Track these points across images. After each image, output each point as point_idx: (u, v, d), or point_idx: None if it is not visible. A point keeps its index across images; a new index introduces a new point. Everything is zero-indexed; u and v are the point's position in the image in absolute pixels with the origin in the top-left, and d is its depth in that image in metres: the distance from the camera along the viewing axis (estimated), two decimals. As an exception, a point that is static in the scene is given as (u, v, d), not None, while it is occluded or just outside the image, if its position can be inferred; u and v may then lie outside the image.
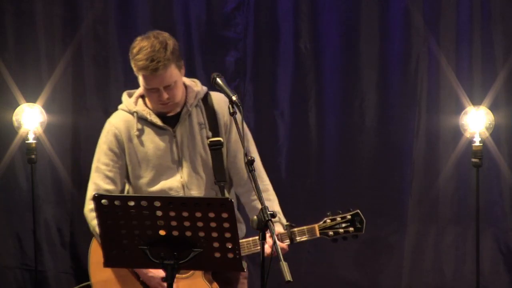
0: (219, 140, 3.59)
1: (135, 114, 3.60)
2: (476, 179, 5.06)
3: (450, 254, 5.35)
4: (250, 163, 3.13)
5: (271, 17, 5.39)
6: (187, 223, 2.88)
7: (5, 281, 5.47)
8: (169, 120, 3.58)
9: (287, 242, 3.53)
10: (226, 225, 2.88)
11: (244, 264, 3.40)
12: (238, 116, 3.25)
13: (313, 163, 5.39)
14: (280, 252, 2.95)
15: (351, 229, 3.58)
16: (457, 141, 5.23)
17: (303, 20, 5.36)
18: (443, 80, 5.29)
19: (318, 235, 3.56)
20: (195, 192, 3.56)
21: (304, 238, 3.56)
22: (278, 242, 3.42)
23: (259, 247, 3.43)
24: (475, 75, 5.27)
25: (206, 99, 3.63)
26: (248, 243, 3.53)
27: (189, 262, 2.93)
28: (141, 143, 3.58)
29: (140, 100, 3.64)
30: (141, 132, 3.59)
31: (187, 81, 3.64)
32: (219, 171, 3.59)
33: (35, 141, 5.16)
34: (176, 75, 3.49)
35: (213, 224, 2.88)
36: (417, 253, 5.35)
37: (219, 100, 3.64)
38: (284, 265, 2.89)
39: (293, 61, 5.38)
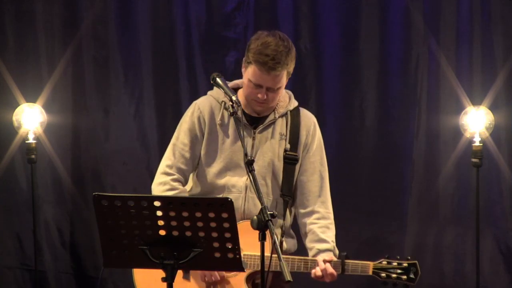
0: (295, 155, 3.59)
1: (223, 103, 3.59)
2: (476, 179, 5.05)
3: (450, 254, 5.35)
4: (249, 163, 3.14)
5: (271, 17, 5.39)
6: (187, 223, 2.88)
7: (5, 281, 5.47)
8: (254, 121, 3.58)
9: (338, 272, 3.52)
10: (226, 225, 2.88)
11: (245, 264, 3.40)
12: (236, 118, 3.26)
13: (313, 163, 5.39)
14: (280, 252, 2.95)
15: (404, 277, 3.55)
16: (457, 141, 5.23)
17: (303, 20, 5.36)
18: (443, 80, 5.28)
19: (370, 273, 3.54)
20: (256, 197, 3.50)
21: (355, 273, 3.54)
22: (328, 266, 3.43)
23: (307, 268, 3.45)
24: (475, 75, 5.27)
25: (294, 113, 3.64)
26: (299, 261, 3.51)
27: (189, 262, 2.93)
28: (221, 133, 3.58)
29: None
30: (224, 122, 3.59)
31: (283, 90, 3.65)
32: (287, 185, 3.59)
33: (35, 141, 5.16)
34: (284, 82, 3.51)
35: (213, 224, 2.88)
36: (417, 253, 5.35)
37: (306, 118, 3.66)
38: (284, 265, 2.89)
39: (293, 61, 5.38)
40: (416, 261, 3.57)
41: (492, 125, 5.09)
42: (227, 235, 2.89)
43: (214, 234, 2.89)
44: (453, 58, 5.29)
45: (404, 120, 5.33)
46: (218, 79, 3.42)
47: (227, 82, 3.59)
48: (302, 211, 3.64)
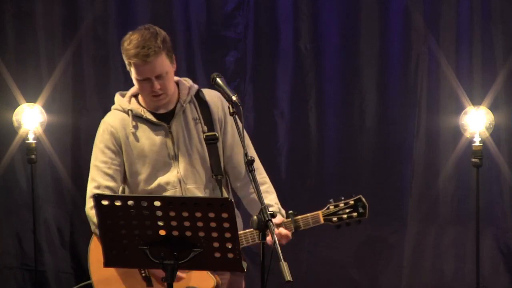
0: (214, 135, 3.61)
1: (129, 112, 3.61)
2: (476, 179, 5.06)
3: (450, 254, 5.35)
4: (250, 163, 3.14)
5: (271, 17, 5.39)
6: (187, 223, 2.89)
7: (5, 281, 5.47)
8: (164, 117, 3.60)
9: (291, 230, 3.52)
10: (226, 225, 2.88)
11: (244, 264, 3.40)
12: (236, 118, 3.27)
13: (313, 163, 5.40)
14: (280, 252, 2.95)
15: (354, 214, 3.60)
16: (457, 141, 5.23)
17: (303, 20, 5.36)
18: (443, 80, 5.28)
19: (322, 221, 3.56)
20: (192, 186, 3.57)
21: (308, 226, 3.55)
22: (281, 229, 3.43)
23: (257, 240, 3.44)
24: (475, 75, 5.27)
25: (198, 95, 3.66)
26: (245, 235, 3.52)
27: (189, 262, 2.93)
28: (137, 140, 3.60)
29: (134, 99, 3.66)
30: (136, 129, 3.61)
31: (177, 78, 3.67)
32: (216, 165, 3.61)
33: (35, 141, 5.16)
34: (168, 66, 3.51)
35: (213, 224, 2.88)
36: (417, 253, 5.35)
37: (211, 95, 3.67)
38: (284, 265, 2.90)
39: (293, 61, 5.38)
40: (360, 196, 3.62)
41: (492, 125, 5.09)
42: (227, 235, 2.89)
43: (214, 234, 2.89)
44: (453, 58, 5.29)
45: (404, 120, 5.34)
46: (218, 79, 3.42)
47: (124, 92, 3.65)
48: (238, 184, 3.66)
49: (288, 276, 2.89)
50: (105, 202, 2.90)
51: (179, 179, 3.58)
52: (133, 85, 3.63)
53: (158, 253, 2.93)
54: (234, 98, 3.31)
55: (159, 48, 3.46)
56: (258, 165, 3.66)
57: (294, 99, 5.41)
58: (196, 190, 3.57)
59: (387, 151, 5.36)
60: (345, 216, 3.58)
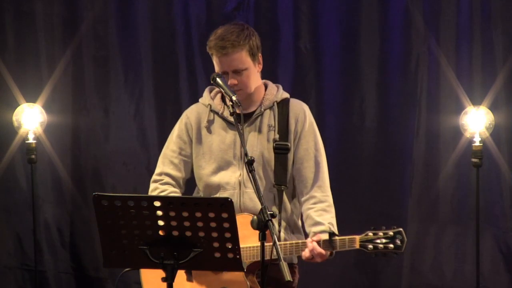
0: (286, 145, 3.59)
1: (209, 106, 3.64)
2: (476, 179, 5.06)
3: (450, 254, 5.35)
4: (250, 163, 3.14)
5: (271, 17, 5.39)
6: (187, 223, 2.89)
7: (5, 281, 5.47)
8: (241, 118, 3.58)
9: (327, 250, 3.46)
10: (226, 225, 2.88)
11: (244, 264, 3.40)
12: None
13: (313, 163, 5.39)
14: (280, 252, 2.95)
15: (391, 246, 3.49)
16: (457, 141, 5.23)
17: (303, 20, 5.36)
18: (443, 80, 5.28)
19: (357, 246, 3.49)
20: (251, 190, 3.55)
21: (343, 249, 3.49)
22: (316, 246, 3.41)
23: (299, 252, 3.45)
24: (475, 75, 5.27)
25: (283, 103, 3.65)
26: (291, 246, 3.48)
27: (189, 262, 2.93)
28: (208, 135, 3.63)
29: (218, 96, 3.68)
30: (210, 123, 3.64)
31: (270, 83, 3.70)
32: (281, 175, 3.58)
33: (35, 141, 5.16)
34: (248, 63, 3.53)
35: (213, 224, 2.88)
36: (417, 253, 5.35)
37: (296, 107, 3.66)
38: (284, 265, 2.90)
39: (293, 61, 5.38)
40: (401, 229, 3.53)
41: (492, 125, 5.09)
42: (227, 235, 2.89)
43: (214, 234, 2.89)
44: (453, 58, 5.29)
45: (404, 120, 5.33)
46: (218, 79, 3.43)
47: (215, 87, 3.67)
48: (302, 199, 3.63)
49: (288, 276, 2.90)
50: (105, 202, 2.90)
51: (240, 181, 3.58)
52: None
53: (158, 253, 2.93)
54: (234, 98, 3.32)
55: (238, 43, 3.48)
56: (324, 183, 3.61)
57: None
58: (254, 195, 3.54)
59: (387, 151, 5.35)
60: (381, 246, 3.49)
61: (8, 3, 5.42)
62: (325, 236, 3.46)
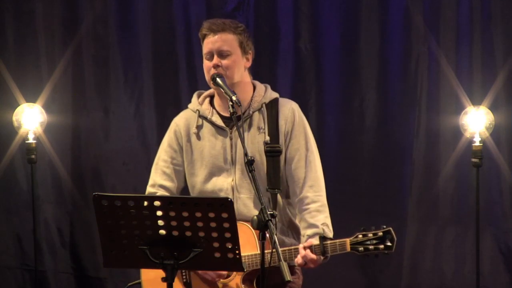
0: (277, 147, 3.55)
1: (197, 111, 3.62)
2: (476, 179, 5.06)
3: (450, 254, 5.35)
4: (249, 163, 3.13)
5: (271, 17, 5.39)
6: (187, 223, 2.89)
7: (5, 281, 5.48)
8: (230, 121, 3.55)
9: (319, 254, 3.42)
10: (226, 225, 2.88)
11: (244, 264, 3.39)
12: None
13: (313, 163, 5.39)
14: (280, 252, 2.94)
15: (381, 246, 3.50)
16: (457, 141, 5.23)
17: (303, 20, 5.36)
18: (443, 80, 5.28)
19: (348, 249, 3.46)
20: (245, 196, 3.53)
21: (335, 253, 3.45)
22: (308, 252, 3.37)
23: (292, 258, 3.42)
24: (475, 75, 5.27)
25: (271, 104, 3.61)
26: (283, 252, 3.41)
27: (189, 262, 2.93)
28: (198, 141, 3.61)
29: (207, 100, 3.66)
30: (199, 130, 3.62)
31: (258, 84, 3.66)
32: (273, 178, 3.55)
33: (35, 141, 5.16)
34: (235, 49, 3.51)
35: (213, 224, 2.88)
36: (417, 253, 5.35)
37: (284, 107, 3.62)
38: (284, 265, 2.90)
39: (293, 61, 5.38)
40: (390, 228, 3.53)
41: (492, 125, 5.09)
42: (227, 235, 2.89)
43: (214, 234, 2.89)
44: (453, 58, 5.29)
45: (404, 120, 5.33)
46: (218, 79, 3.43)
47: (203, 92, 3.67)
48: (295, 199, 3.60)
49: (288, 276, 2.90)
50: (105, 202, 2.90)
51: (233, 187, 3.56)
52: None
53: (158, 253, 2.93)
54: (234, 98, 3.31)
55: (229, 29, 3.50)
56: (316, 182, 3.58)
57: (294, 99, 5.39)
58: (248, 200, 3.54)
59: (387, 151, 5.35)
60: (371, 247, 3.48)
61: (8, 3, 5.42)
62: (317, 241, 3.43)
